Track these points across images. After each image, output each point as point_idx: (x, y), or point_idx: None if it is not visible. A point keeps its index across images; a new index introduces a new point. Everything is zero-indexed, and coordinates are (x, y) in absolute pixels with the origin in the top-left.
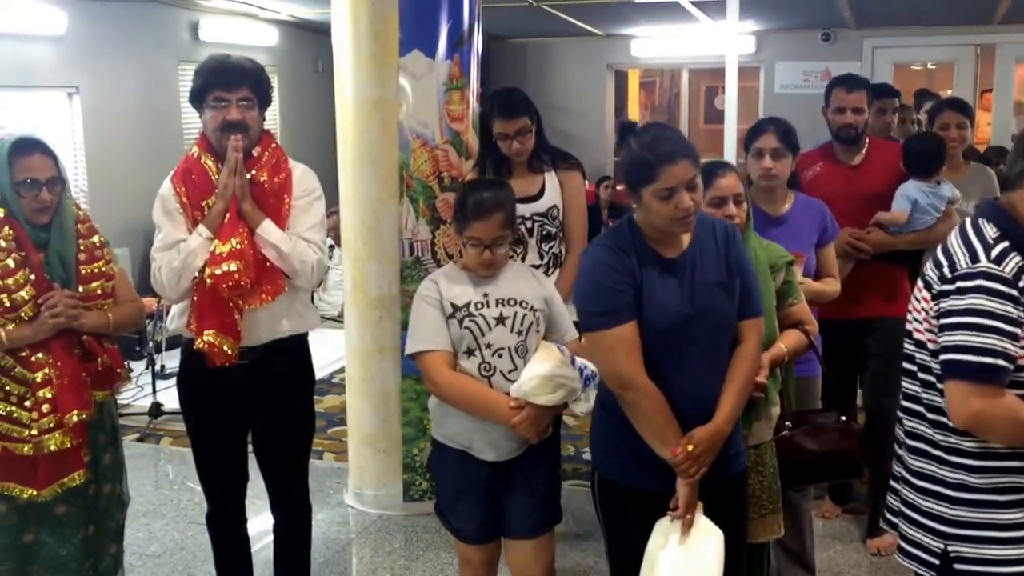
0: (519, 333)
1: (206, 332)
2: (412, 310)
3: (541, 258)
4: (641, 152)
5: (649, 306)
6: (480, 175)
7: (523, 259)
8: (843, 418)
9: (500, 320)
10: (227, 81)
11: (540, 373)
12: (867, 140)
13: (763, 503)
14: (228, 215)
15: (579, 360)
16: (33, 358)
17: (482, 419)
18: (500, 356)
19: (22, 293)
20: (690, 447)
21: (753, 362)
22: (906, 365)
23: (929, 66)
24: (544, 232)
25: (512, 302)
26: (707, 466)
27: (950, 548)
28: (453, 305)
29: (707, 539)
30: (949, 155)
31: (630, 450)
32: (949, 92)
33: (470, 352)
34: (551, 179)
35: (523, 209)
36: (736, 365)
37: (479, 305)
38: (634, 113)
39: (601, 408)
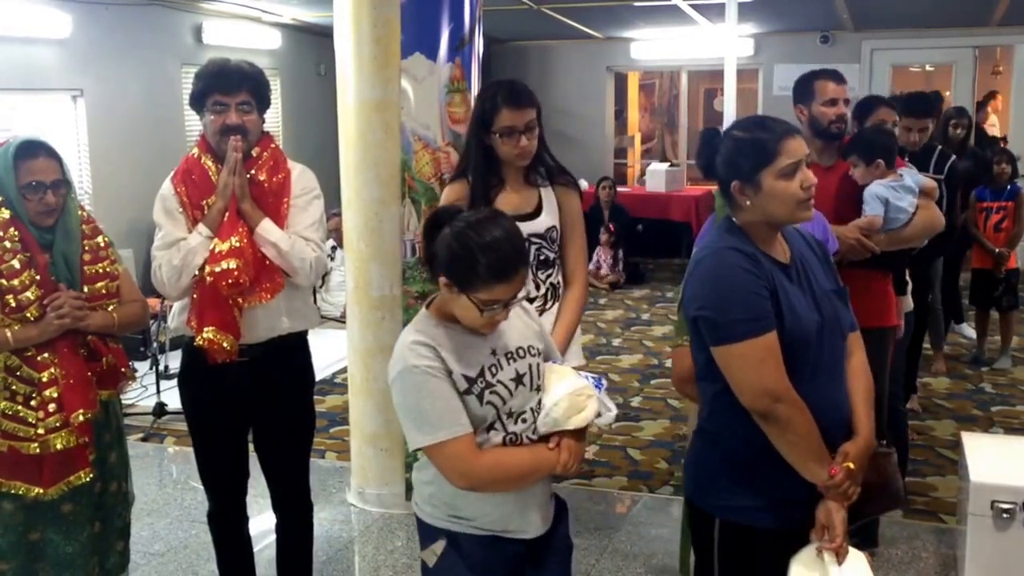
0: (537, 389)
1: (206, 329)
2: (405, 389)
3: (537, 288)
4: (752, 134)
5: (789, 313)
6: (474, 189)
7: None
8: (883, 442)
9: (518, 380)
10: (226, 85)
11: (565, 392)
12: None
13: None
14: (228, 214)
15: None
16: (39, 358)
17: (520, 493)
18: (524, 421)
19: (28, 294)
20: (850, 464)
21: (869, 375)
22: None
23: (927, 68)
24: (542, 257)
25: (521, 352)
26: (859, 485)
27: None
28: (467, 378)
29: (860, 566)
30: None
31: (768, 487)
32: (948, 94)
33: (490, 427)
34: (548, 196)
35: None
36: (857, 378)
37: (493, 369)
38: (634, 115)
39: (713, 447)
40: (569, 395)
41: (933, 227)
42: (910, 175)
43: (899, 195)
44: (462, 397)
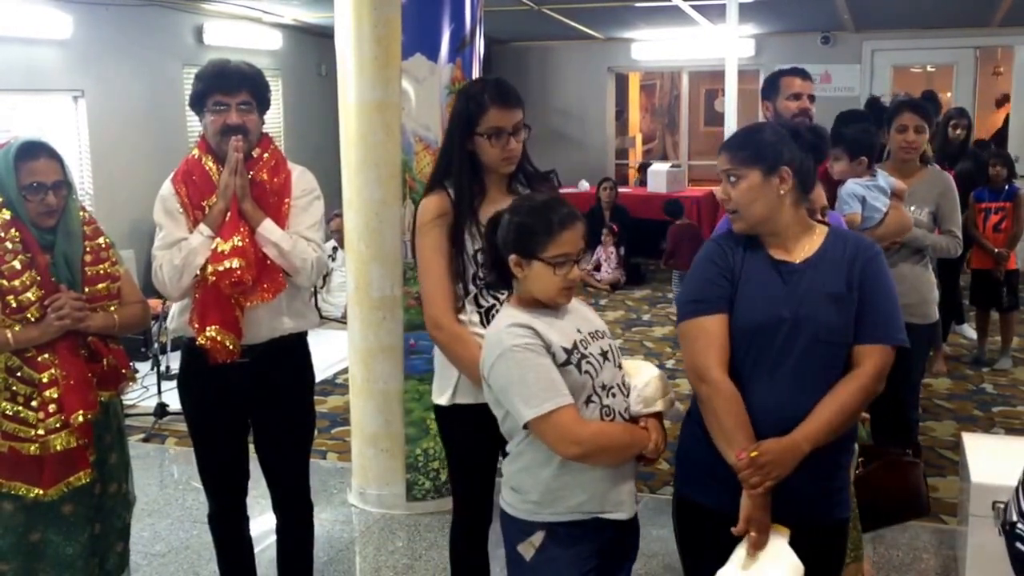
0: (619, 367)
1: (208, 328)
2: (508, 367)
3: None
4: None
5: (740, 302)
6: (459, 198)
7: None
8: (908, 452)
9: (604, 356)
10: (227, 86)
11: (652, 375)
12: None
13: (846, 552)
14: (229, 214)
15: None
16: (39, 359)
17: (614, 469)
18: (614, 395)
19: (28, 295)
20: (754, 453)
21: (863, 389)
22: None
23: (928, 68)
24: None
25: (600, 334)
26: (773, 480)
27: None
28: (564, 349)
29: (779, 568)
30: (904, 159)
31: (713, 465)
32: (949, 95)
33: (588, 400)
34: None
35: None
36: (843, 387)
37: (583, 343)
38: (634, 116)
39: (688, 424)
40: (656, 378)
41: (904, 228)
42: (882, 176)
43: (874, 195)
44: (561, 370)
